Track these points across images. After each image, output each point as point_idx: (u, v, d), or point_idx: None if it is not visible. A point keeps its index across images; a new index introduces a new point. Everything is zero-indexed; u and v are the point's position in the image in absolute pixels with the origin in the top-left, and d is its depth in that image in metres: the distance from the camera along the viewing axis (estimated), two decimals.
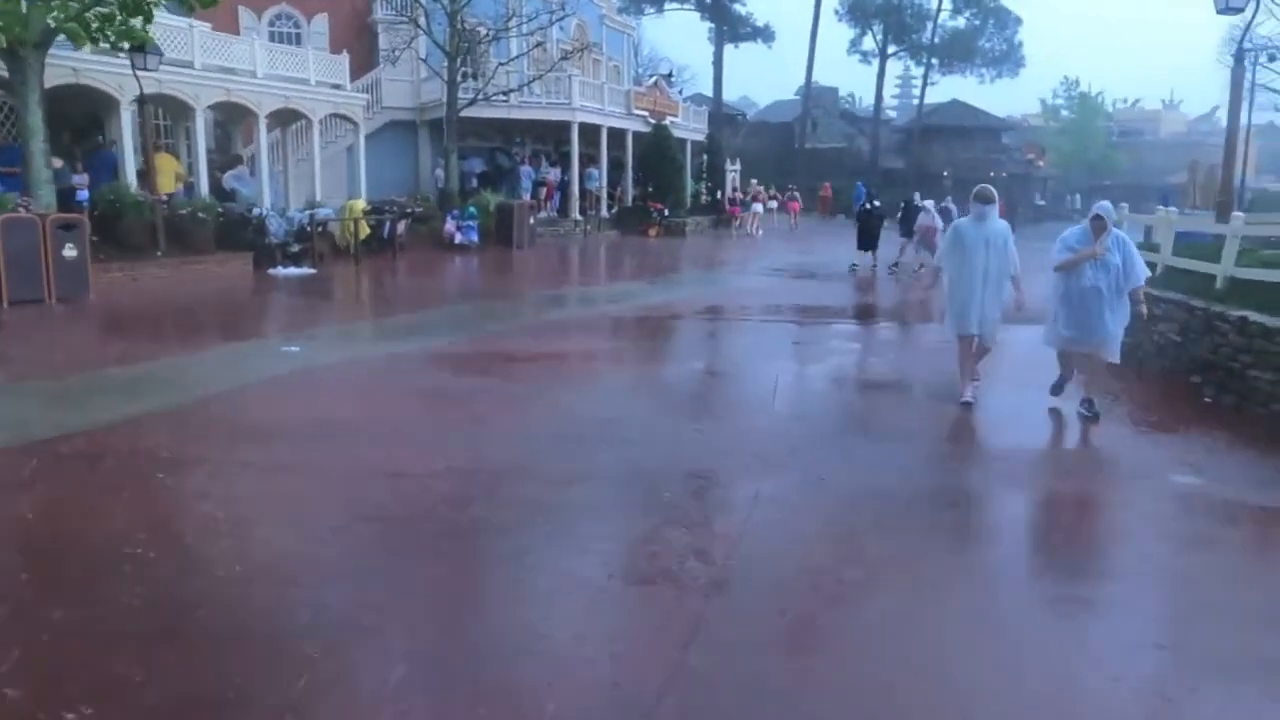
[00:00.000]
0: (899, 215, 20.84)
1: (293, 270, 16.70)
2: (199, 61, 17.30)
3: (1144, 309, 7.15)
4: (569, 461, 5.72)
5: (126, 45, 13.76)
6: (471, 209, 22.32)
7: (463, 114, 24.17)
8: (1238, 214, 9.18)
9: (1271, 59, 32.29)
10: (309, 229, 17.62)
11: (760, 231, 32.07)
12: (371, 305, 14.46)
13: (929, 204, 19.70)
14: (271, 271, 16.47)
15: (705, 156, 36.51)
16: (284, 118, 20.75)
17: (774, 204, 36.20)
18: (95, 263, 13.28)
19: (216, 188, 18.31)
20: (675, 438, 6.37)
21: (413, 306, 13.63)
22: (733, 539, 4.51)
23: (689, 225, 30.96)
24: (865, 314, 14.30)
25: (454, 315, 12.49)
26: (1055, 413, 7.24)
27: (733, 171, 37.33)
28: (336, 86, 21.72)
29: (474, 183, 25.81)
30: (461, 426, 6.60)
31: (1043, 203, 47.84)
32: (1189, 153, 58.34)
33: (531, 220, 23.31)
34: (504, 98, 25.38)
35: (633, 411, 7.12)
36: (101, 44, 13.29)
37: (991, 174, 45.40)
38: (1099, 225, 6.82)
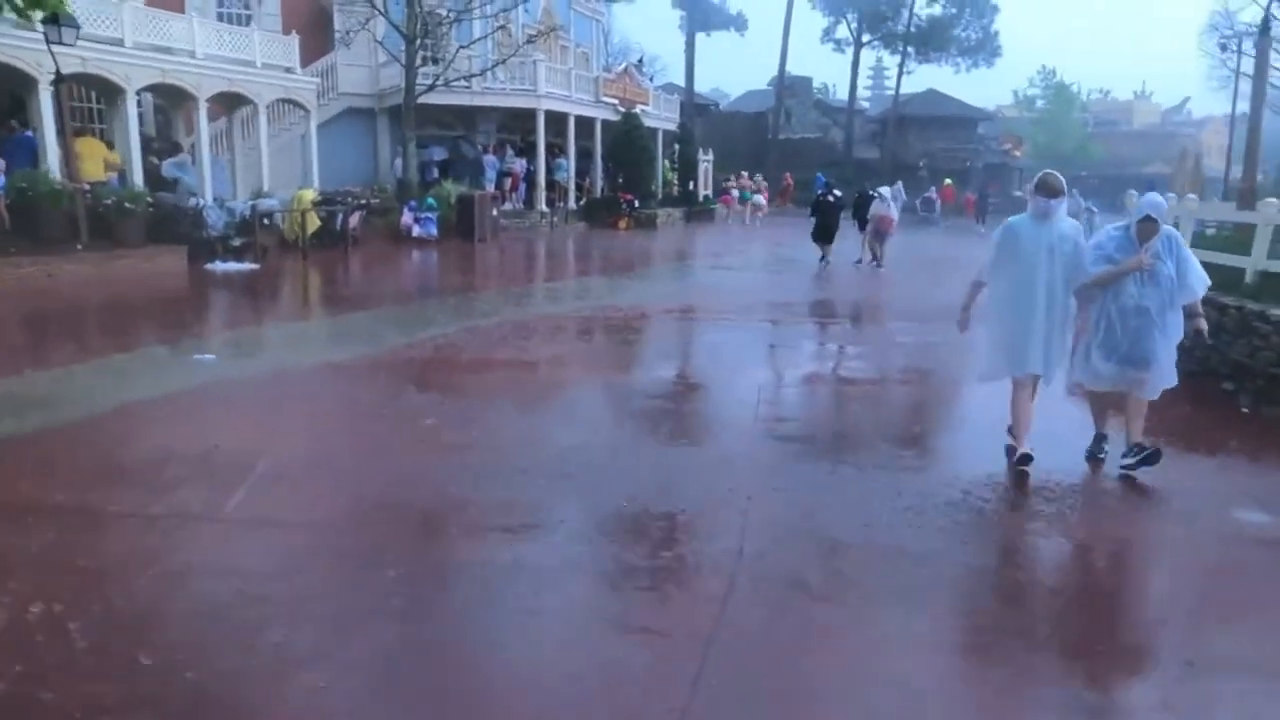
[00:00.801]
0: (853, 204, 19.71)
1: (232, 266, 15.45)
2: (130, 39, 15.96)
3: (1204, 326, 5.57)
4: (509, 504, 4.65)
5: (38, 16, 12.46)
6: (430, 200, 21.12)
7: (423, 101, 22.93)
8: (1271, 200, 8.26)
9: (1224, 49, 31.74)
10: (251, 221, 16.36)
11: (758, 222, 33.32)
12: (312, 305, 13.25)
13: (884, 190, 18.51)
14: (209, 267, 15.21)
15: (677, 146, 35.45)
16: (229, 102, 19.43)
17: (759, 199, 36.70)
18: (4, 257, 12.02)
19: (155, 176, 17.03)
20: (643, 469, 5.32)
21: (358, 306, 12.47)
22: (704, 634, 3.46)
23: (660, 217, 29.91)
24: (838, 312, 13.32)
25: (402, 316, 11.34)
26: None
27: (706, 162, 36.32)
28: (287, 70, 20.44)
29: (435, 173, 24.59)
30: (385, 456, 5.52)
31: (1020, 193, 47.16)
32: (1164, 144, 58.23)
33: (495, 212, 22.15)
34: (465, 83, 24.18)
35: (594, 435, 6.07)
36: (6, 12, 11.98)
37: (968, 164, 44.84)
38: (1148, 229, 5.15)
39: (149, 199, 15.20)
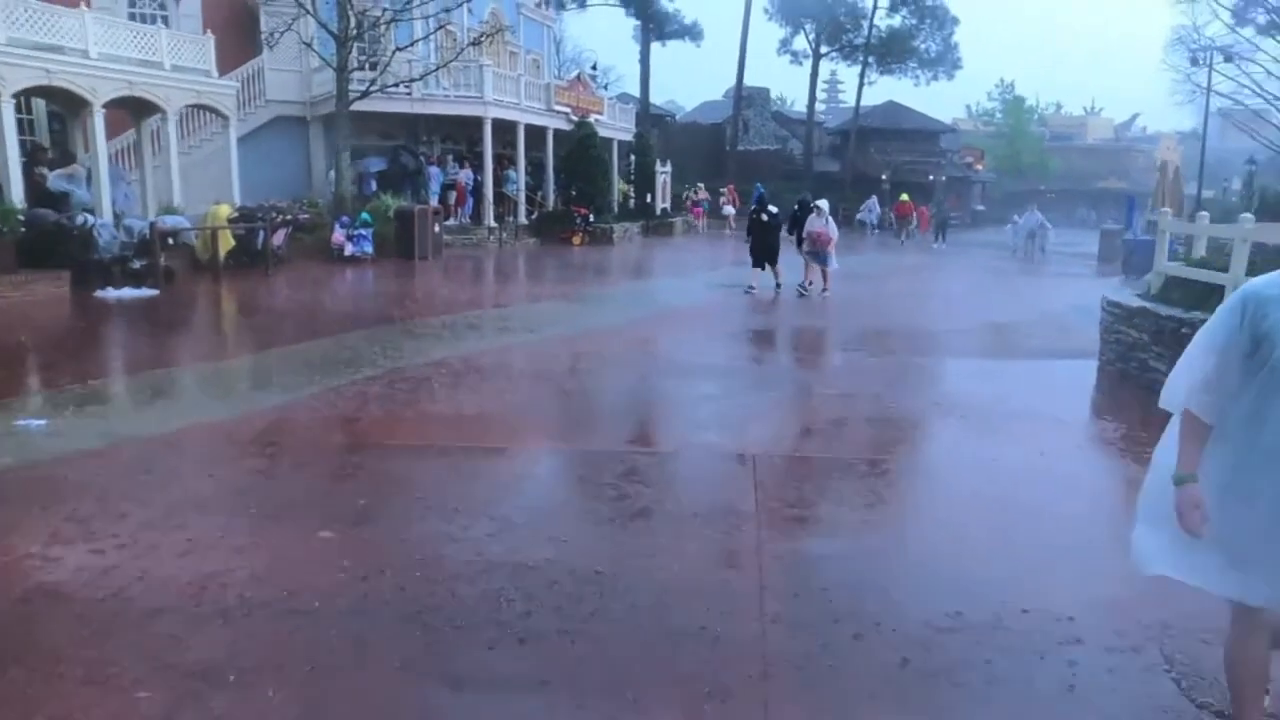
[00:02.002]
0: (790, 218, 16.94)
1: (127, 293, 13.48)
2: (5, 35, 13.94)
3: None
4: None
5: None
6: (365, 215, 19.26)
7: (360, 108, 21.12)
8: None
9: (1227, 59, 31.06)
10: (151, 241, 14.39)
11: (729, 230, 34.62)
12: (206, 343, 11.19)
13: (823, 204, 15.99)
14: (100, 294, 13.25)
15: (634, 157, 33.88)
16: (136, 109, 17.44)
17: (730, 209, 37.69)
18: None
19: (41, 190, 15.00)
20: (597, 625, 3.64)
21: (264, 341, 10.60)
22: None
23: (617, 232, 28.27)
24: (798, 345, 11.77)
25: (315, 355, 9.50)
26: None
27: (664, 173, 34.79)
28: (204, 74, 18.48)
29: (373, 185, 22.74)
30: (206, 593, 3.76)
31: (981, 207, 46.49)
32: (1119, 159, 58.13)
33: (437, 228, 20.33)
34: (406, 89, 22.41)
35: (530, 550, 4.37)
36: None
37: (931, 178, 43.93)
38: None
39: (19, 215, 13.15)
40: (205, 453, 6.01)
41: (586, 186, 27.60)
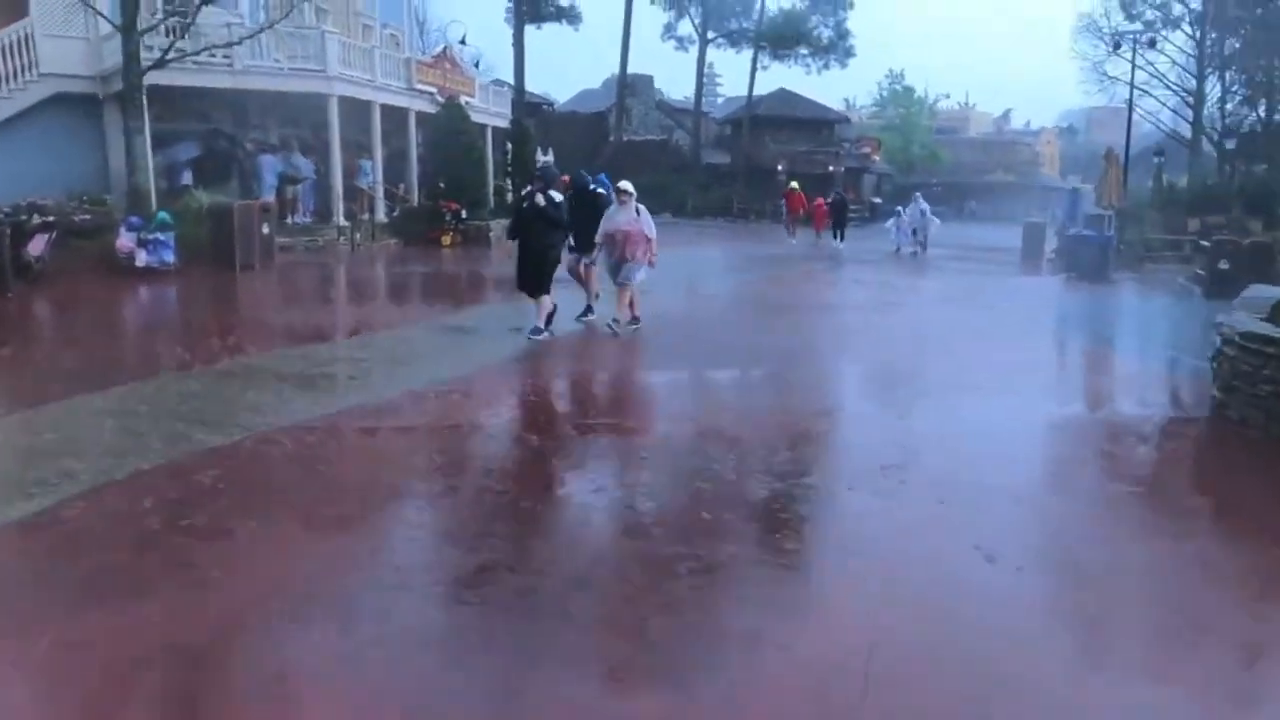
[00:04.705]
0: (570, 210, 10.08)
1: None
2: None
3: None
4: None
5: None
6: (163, 216, 14.93)
7: (167, 81, 16.79)
8: None
9: (1117, 47, 29.71)
10: None
11: None
12: None
13: (625, 185, 10.14)
14: None
15: (510, 146, 30.10)
16: None
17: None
18: None
19: None
20: None
21: None
22: None
23: (493, 230, 24.45)
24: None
25: (35, 431, 5.70)
26: None
27: (544, 162, 31.12)
28: None
29: (186, 177, 18.32)
30: None
31: (878, 200, 44.65)
32: (1005, 152, 57.91)
33: (266, 228, 16.16)
34: (225, 58, 18.09)
35: None
36: None
37: (830, 169, 41.79)
38: None
39: None
40: None
41: (457, 178, 23.69)
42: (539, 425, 6.81)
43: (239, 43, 16.89)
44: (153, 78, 16.56)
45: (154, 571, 3.94)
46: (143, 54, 15.95)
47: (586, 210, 10.29)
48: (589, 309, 10.68)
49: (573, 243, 10.43)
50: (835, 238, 27.80)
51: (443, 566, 4.25)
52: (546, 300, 9.59)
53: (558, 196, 9.58)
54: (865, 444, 6.37)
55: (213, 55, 17.74)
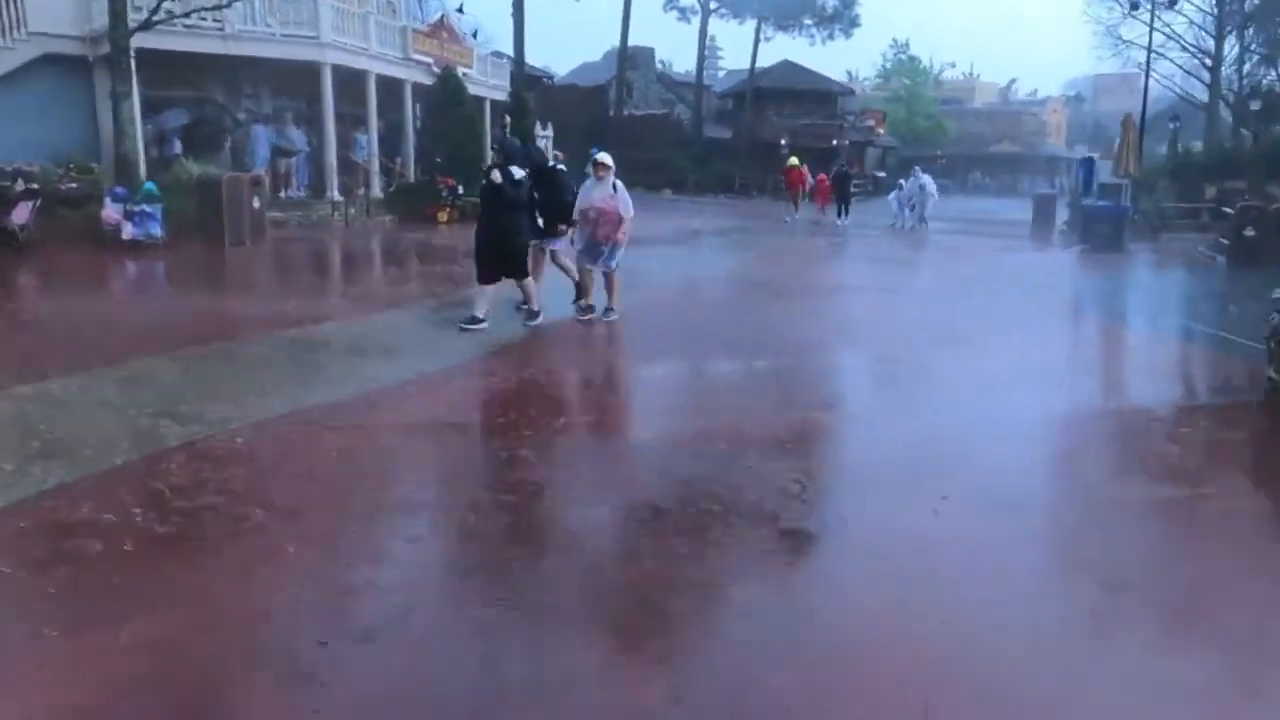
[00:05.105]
0: (531, 188, 9.02)
1: None
2: None
3: None
4: None
5: None
6: (150, 186, 14.38)
7: (157, 45, 16.24)
8: None
9: (1134, 7, 29.01)
10: None
11: None
12: None
13: (603, 157, 9.16)
14: None
15: (509, 119, 29.43)
16: None
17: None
18: None
19: None
20: None
21: None
22: None
23: None
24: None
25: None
26: None
27: (545, 137, 30.52)
28: None
29: (176, 146, 17.74)
30: None
31: (883, 174, 43.94)
32: (1011, 122, 57.06)
33: (257, 202, 15.61)
34: (216, 22, 17.46)
35: None
36: None
37: (835, 142, 41.07)
38: None
39: None
40: None
41: (454, 152, 23.07)
42: (512, 426, 6.33)
43: (228, 4, 16.22)
44: (142, 40, 15.97)
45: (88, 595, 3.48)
46: (130, 14, 15.36)
47: (544, 189, 9.14)
48: (584, 301, 9.45)
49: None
50: (839, 214, 27.07)
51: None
52: (529, 282, 8.76)
53: (518, 173, 8.51)
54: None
55: (203, 18, 17.11)
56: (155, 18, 15.11)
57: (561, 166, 10.09)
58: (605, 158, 9.11)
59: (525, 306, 8.88)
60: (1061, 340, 9.84)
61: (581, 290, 9.39)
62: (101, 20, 17.28)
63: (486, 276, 8.65)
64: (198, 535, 3.93)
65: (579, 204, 9.10)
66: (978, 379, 7.50)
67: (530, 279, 8.80)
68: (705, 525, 4.19)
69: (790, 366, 7.92)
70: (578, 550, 4.05)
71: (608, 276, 9.24)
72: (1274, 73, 30.59)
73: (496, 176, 8.40)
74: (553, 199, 9.18)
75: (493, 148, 10.45)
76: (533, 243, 9.13)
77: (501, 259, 8.61)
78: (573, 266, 9.53)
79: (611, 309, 9.24)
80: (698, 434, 5.64)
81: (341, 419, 5.66)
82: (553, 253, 9.67)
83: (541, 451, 5.28)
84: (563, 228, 9.26)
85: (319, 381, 6.62)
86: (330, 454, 5.08)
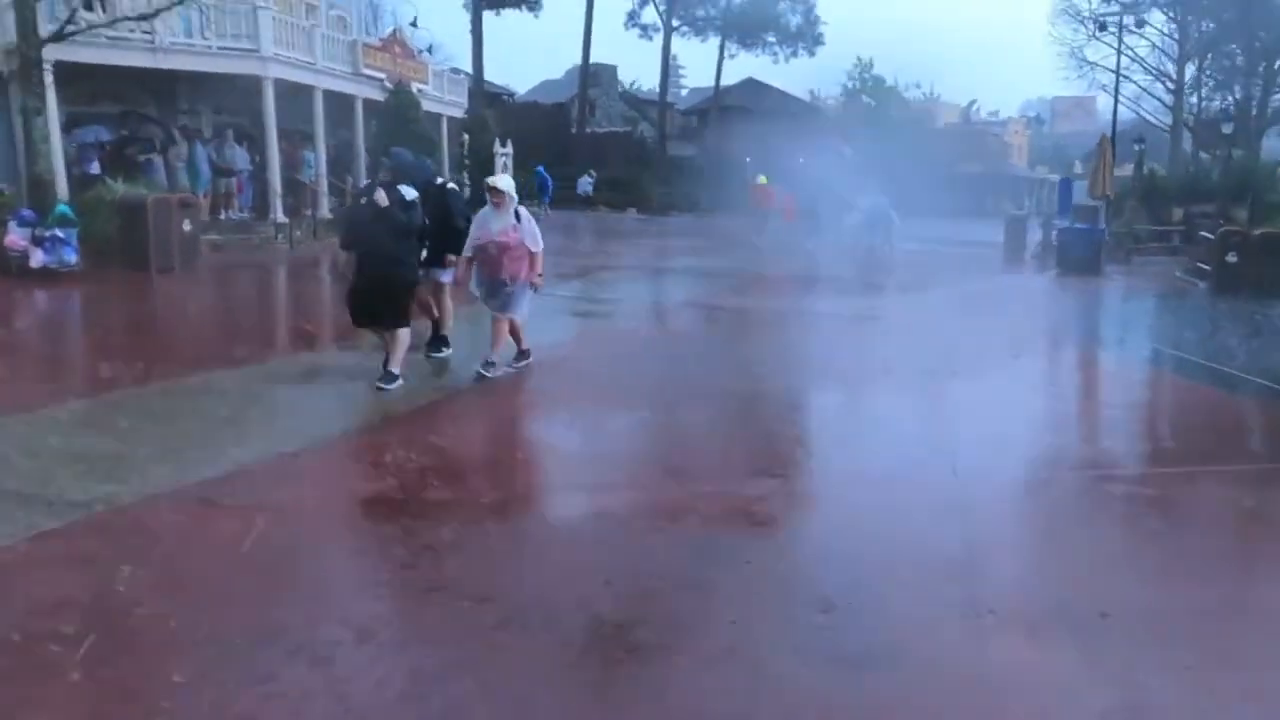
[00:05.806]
0: (429, 214, 7.57)
1: None
2: None
3: None
4: None
5: None
6: (63, 209, 13.16)
7: (79, 58, 15.15)
8: None
9: (1102, 28, 28.83)
10: None
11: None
12: None
13: (503, 184, 7.59)
14: None
15: (467, 136, 28.47)
16: None
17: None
18: None
19: None
20: None
21: None
22: None
23: None
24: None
25: None
26: None
27: (504, 155, 29.56)
28: None
29: (94, 166, 16.51)
30: None
31: (848, 193, 43.34)
32: (975, 142, 57.01)
33: (187, 225, 14.41)
34: (147, 34, 16.31)
35: None
36: None
37: (802, 160, 40.42)
38: None
39: None
40: None
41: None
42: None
43: (155, 15, 15.07)
44: (62, 53, 14.82)
45: None
46: (48, 24, 14.19)
47: (433, 212, 7.56)
48: (440, 341, 8.25)
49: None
50: (805, 235, 26.19)
51: None
52: (404, 334, 7.12)
53: (410, 193, 7.06)
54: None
55: (131, 30, 15.95)
56: (70, 29, 13.88)
57: (452, 186, 8.85)
58: (500, 182, 7.61)
59: (387, 368, 7.05)
60: (1060, 380, 8.99)
61: (437, 327, 8.19)
62: (12, 32, 16.06)
63: (361, 319, 7.23)
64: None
65: (473, 237, 7.53)
66: (1001, 422, 6.60)
67: (407, 330, 7.17)
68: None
69: (752, 421, 6.93)
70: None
71: (497, 322, 7.56)
72: (1230, 99, 30.54)
73: (381, 198, 6.91)
74: (444, 226, 7.70)
75: (380, 160, 9.29)
76: (432, 275, 7.90)
77: (385, 299, 7.02)
78: (435, 304, 8.16)
79: (492, 362, 7.54)
80: (637, 512, 4.66)
81: (171, 515, 4.58)
82: (436, 285, 8.11)
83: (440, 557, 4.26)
84: (451, 258, 7.78)
85: (163, 461, 5.34)
86: (156, 562, 4.03)
